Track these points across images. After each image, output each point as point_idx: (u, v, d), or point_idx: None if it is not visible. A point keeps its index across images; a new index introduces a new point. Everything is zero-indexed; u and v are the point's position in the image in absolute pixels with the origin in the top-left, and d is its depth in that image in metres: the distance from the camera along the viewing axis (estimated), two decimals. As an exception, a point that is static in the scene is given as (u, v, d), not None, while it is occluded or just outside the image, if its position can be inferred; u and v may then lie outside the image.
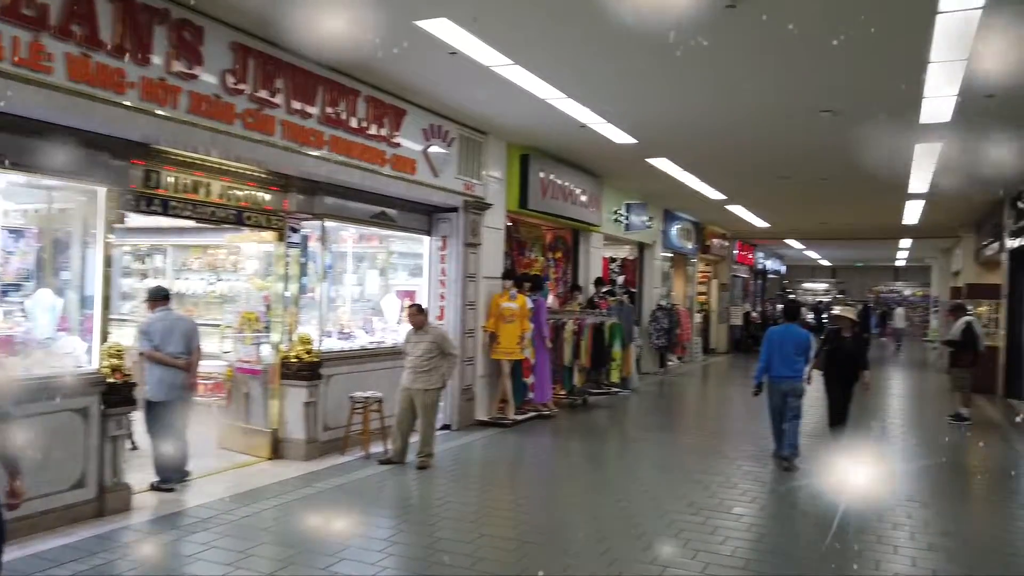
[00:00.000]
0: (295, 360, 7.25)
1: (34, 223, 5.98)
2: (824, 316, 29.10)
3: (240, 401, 7.66)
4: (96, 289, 5.56)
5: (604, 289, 13.05)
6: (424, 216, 9.17)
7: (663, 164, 11.34)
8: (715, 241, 20.84)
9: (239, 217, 6.95)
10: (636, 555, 5.01)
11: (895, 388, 15.57)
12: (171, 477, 6.11)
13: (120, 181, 5.62)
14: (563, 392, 11.27)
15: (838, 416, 8.56)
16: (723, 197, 14.61)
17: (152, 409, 6.16)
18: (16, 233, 5.94)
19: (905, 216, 16.50)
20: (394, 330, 8.82)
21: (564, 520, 5.92)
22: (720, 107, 8.17)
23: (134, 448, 6.97)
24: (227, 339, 8.26)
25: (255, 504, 5.85)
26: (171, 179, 6.22)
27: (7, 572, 3.75)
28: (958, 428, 10.36)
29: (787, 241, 25.16)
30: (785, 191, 14.00)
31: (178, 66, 5.48)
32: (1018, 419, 9.51)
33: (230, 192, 6.81)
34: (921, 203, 14.67)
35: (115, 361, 5.48)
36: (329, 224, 7.83)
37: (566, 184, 11.29)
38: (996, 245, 14.71)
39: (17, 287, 5.83)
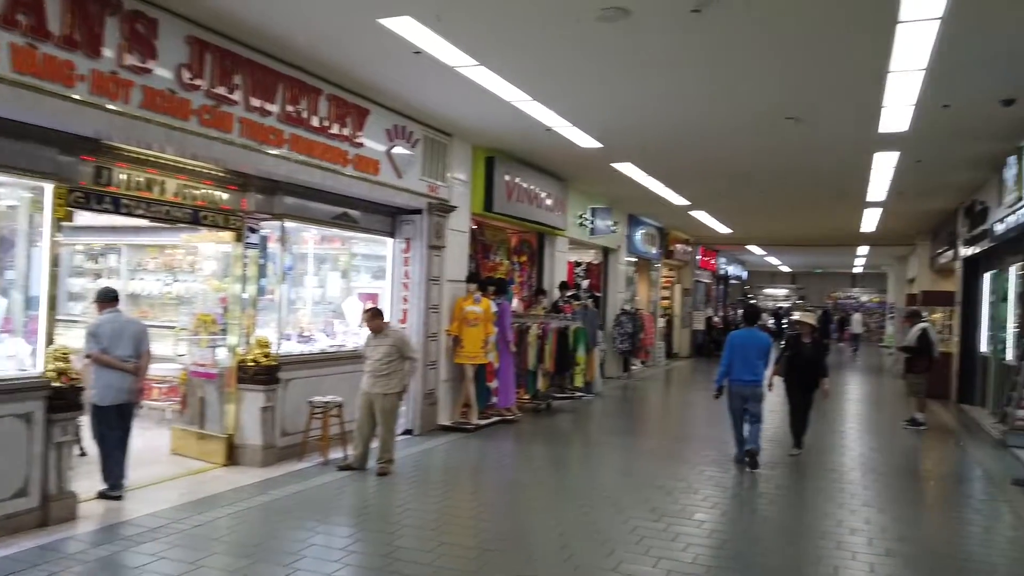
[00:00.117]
0: (252, 364, 7.07)
1: (-24, 220, 5.74)
2: (784, 321, 29.58)
3: (195, 406, 7.46)
4: (42, 289, 5.33)
5: (569, 293, 13.04)
6: (387, 218, 9.04)
7: (628, 169, 11.37)
8: (679, 246, 21.02)
9: (195, 216, 6.76)
10: (599, 562, 4.96)
11: (852, 393, 15.82)
12: (119, 483, 5.90)
13: (69, 177, 5.41)
14: (527, 397, 11.22)
15: (799, 422, 8.66)
16: (687, 203, 14.73)
17: (99, 414, 5.93)
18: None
19: (863, 224, 16.82)
20: (356, 333, 8.67)
21: (526, 527, 5.86)
22: (685, 113, 8.20)
23: (83, 454, 6.73)
24: (182, 342, 8.04)
25: (208, 512, 5.67)
26: (123, 176, 6.01)
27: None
28: (914, 433, 10.55)
29: (749, 247, 25.51)
30: (748, 198, 14.17)
31: (131, 59, 5.29)
32: (1000, 428, 9.67)
33: (186, 191, 6.62)
34: (879, 211, 14.96)
35: (61, 364, 5.26)
36: (289, 225, 7.66)
37: (532, 187, 11.24)
38: (950, 253, 15.06)
39: (-43, 287, 5.59)
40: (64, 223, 5.44)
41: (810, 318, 9.12)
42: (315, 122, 7.10)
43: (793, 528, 6.04)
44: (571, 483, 7.43)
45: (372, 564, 4.83)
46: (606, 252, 16.10)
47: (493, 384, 10.05)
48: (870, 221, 16.34)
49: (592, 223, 14.21)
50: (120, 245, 9.35)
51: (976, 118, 7.88)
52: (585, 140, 9.37)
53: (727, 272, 29.88)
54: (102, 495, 5.85)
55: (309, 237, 8.88)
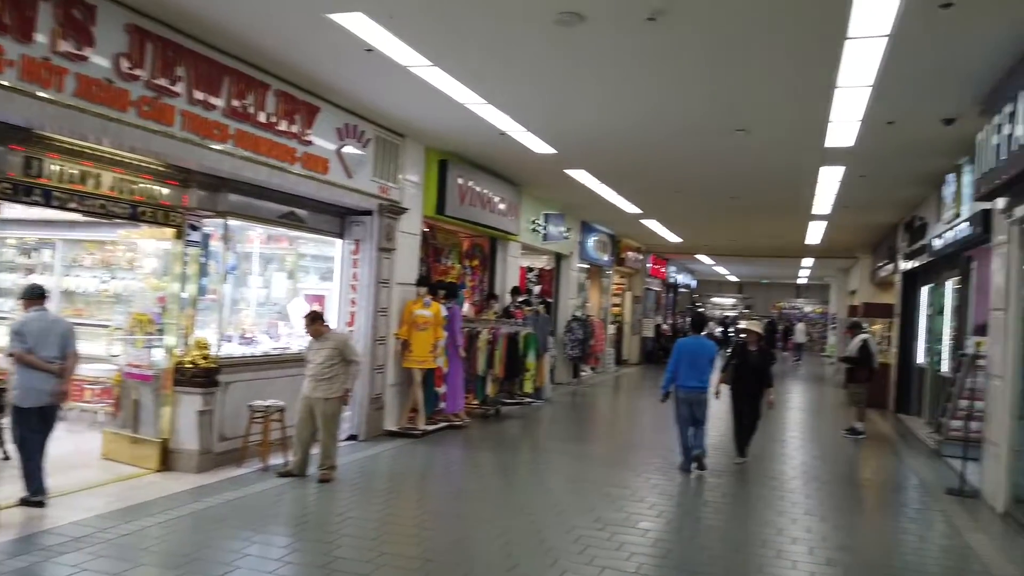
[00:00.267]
0: (190, 365, 6.82)
1: None
2: (731, 330, 30.10)
3: (129, 408, 7.17)
4: (-38, 285, 5.06)
5: (520, 299, 12.99)
6: (336, 218, 8.85)
7: (581, 176, 11.39)
8: (630, 254, 21.19)
9: (133, 212, 6.50)
10: (542, 572, 4.89)
11: (794, 402, 16.14)
12: (42, 489, 5.60)
13: (-5, 167, 5.15)
14: (476, 402, 11.12)
15: (744, 430, 8.75)
16: (639, 211, 14.85)
17: (20, 416, 5.62)
18: None
19: (808, 236, 17.20)
20: (301, 336, 8.42)
21: (471, 536, 5.76)
22: (639, 121, 8.23)
23: (6, 459, 6.42)
24: (117, 342, 7.72)
25: (137, 520, 5.42)
26: (55, 168, 5.74)
27: None
28: (853, 442, 10.78)
29: (698, 256, 25.89)
30: (697, 207, 14.35)
31: (65, 46, 5.05)
32: (936, 438, 9.87)
33: (123, 185, 6.36)
34: (824, 224, 15.30)
35: (-19, 364, 4.99)
36: (233, 223, 7.43)
37: (485, 191, 11.17)
38: (890, 266, 15.51)
39: None
40: (-11, 215, 5.17)
41: (757, 327, 9.23)
42: (262, 118, 6.90)
43: (737, 537, 6.07)
44: (518, 490, 7.36)
45: (309, 575, 4.68)
46: (558, 258, 16.12)
47: (442, 389, 9.93)
48: (815, 233, 16.72)
49: (545, 229, 14.20)
50: (55, 240, 8.94)
51: (919, 136, 8.09)
52: (539, 145, 9.34)
53: (677, 281, 30.27)
54: (24, 502, 5.53)
55: (254, 236, 8.64)
